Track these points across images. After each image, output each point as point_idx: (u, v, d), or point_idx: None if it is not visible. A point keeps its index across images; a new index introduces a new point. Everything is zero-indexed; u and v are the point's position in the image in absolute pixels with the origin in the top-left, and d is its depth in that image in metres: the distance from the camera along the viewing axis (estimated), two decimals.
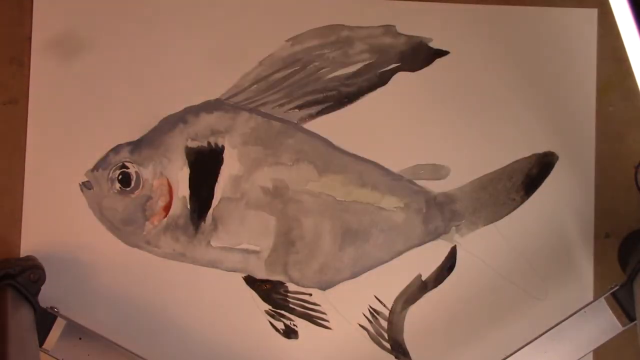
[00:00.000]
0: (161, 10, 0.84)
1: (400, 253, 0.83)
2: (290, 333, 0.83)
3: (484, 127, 0.84)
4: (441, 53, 0.84)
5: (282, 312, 0.83)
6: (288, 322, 0.83)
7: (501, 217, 0.83)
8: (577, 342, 0.74)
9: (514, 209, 0.83)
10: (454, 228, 0.84)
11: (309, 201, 0.83)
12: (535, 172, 0.83)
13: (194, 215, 0.83)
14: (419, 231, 0.83)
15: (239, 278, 0.83)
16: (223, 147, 0.83)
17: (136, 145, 0.83)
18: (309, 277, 0.83)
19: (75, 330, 0.76)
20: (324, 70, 0.83)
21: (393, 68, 0.84)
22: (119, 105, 0.84)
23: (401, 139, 0.84)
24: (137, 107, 0.83)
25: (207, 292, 0.83)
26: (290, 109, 0.83)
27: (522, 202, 0.83)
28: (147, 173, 0.83)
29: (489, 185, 0.83)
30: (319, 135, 0.83)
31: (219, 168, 0.83)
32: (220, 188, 0.83)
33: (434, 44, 0.84)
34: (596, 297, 0.77)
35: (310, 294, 0.83)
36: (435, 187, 0.84)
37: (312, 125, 0.84)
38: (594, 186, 0.83)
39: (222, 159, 0.83)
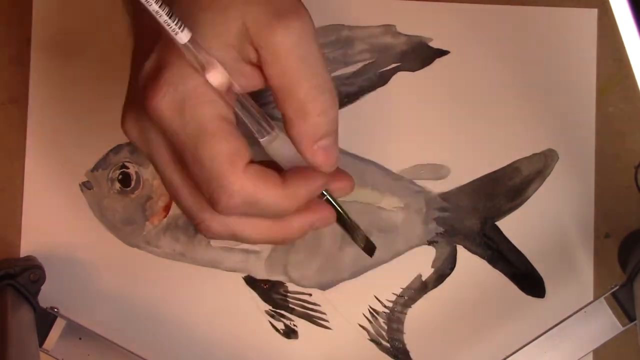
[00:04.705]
0: None
1: (400, 253, 0.83)
2: (290, 333, 0.83)
3: (484, 127, 0.84)
4: (441, 53, 0.84)
5: (282, 312, 0.83)
6: (288, 322, 0.83)
7: (501, 217, 0.83)
8: (577, 342, 0.74)
9: (514, 209, 0.83)
10: (453, 228, 0.83)
11: None
12: (534, 172, 0.83)
13: None
14: (419, 231, 0.83)
15: (239, 278, 0.83)
16: None
17: None
18: (309, 277, 0.83)
19: (75, 330, 0.76)
20: None
21: (393, 68, 0.84)
22: (119, 105, 0.83)
23: (401, 139, 0.84)
24: None
25: (207, 292, 0.83)
26: None
27: (522, 202, 0.83)
28: (147, 173, 0.83)
29: (489, 185, 0.83)
30: None
31: None
32: None
33: (434, 44, 0.84)
34: (596, 297, 0.76)
35: (310, 294, 0.83)
36: (435, 187, 0.83)
37: None
38: (594, 186, 0.83)
39: None
